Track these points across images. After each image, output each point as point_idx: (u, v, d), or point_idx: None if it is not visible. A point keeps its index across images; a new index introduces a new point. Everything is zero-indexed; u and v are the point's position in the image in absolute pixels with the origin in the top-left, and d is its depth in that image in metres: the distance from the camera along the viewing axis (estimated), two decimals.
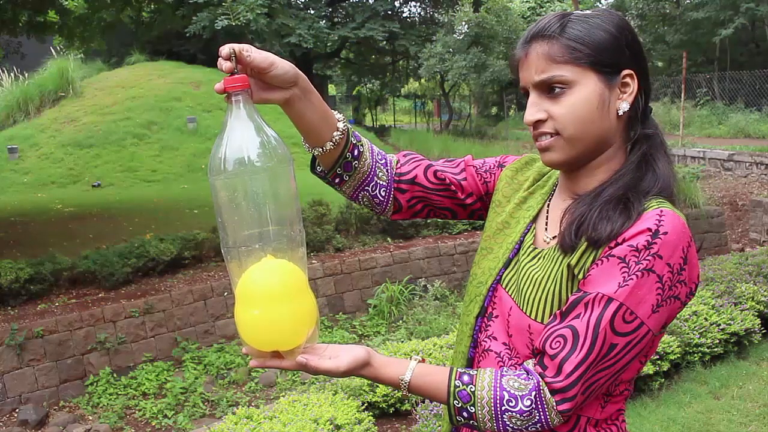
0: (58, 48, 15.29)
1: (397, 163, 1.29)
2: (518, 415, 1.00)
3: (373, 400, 3.82)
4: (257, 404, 4.41)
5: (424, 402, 3.69)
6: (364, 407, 3.68)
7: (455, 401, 1.04)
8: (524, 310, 1.07)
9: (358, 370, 1.06)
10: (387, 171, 1.26)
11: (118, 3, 11.76)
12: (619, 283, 0.96)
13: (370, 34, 21.16)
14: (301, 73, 1.10)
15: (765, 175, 10.73)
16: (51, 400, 5.38)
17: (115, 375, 5.61)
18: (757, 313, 4.77)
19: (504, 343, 1.12)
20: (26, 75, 14.27)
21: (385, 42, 22.30)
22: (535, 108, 1.05)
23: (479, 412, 1.02)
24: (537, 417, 1.00)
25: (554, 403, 0.99)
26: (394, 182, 1.26)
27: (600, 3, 22.31)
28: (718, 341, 4.41)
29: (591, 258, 1.02)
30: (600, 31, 1.03)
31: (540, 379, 1.00)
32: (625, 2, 19.14)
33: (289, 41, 19.71)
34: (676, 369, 4.27)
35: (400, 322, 6.49)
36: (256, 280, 0.99)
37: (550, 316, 1.04)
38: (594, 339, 0.96)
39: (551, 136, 1.05)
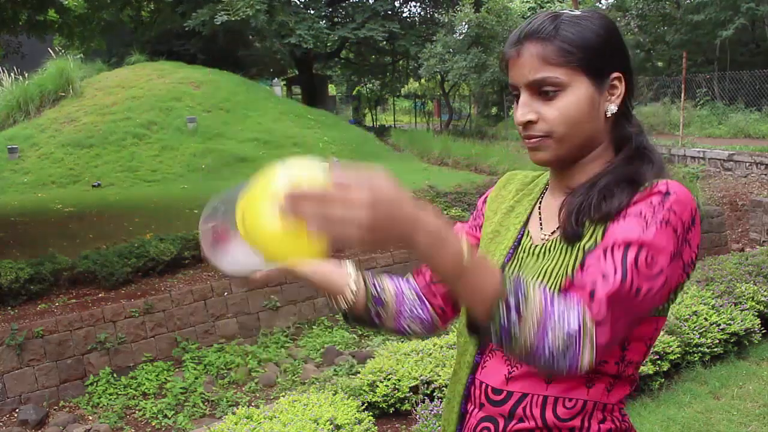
0: (58, 48, 15.31)
1: (416, 282, 1.30)
2: (563, 335, 0.88)
3: (373, 400, 3.83)
4: (257, 404, 4.41)
5: (424, 402, 3.69)
6: (364, 407, 3.68)
7: (509, 293, 0.87)
8: None
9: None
10: (412, 289, 1.28)
11: (118, 2, 11.77)
12: (640, 231, 0.96)
13: (370, 35, 21.17)
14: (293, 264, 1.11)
15: (765, 175, 10.73)
16: (51, 400, 5.38)
17: (115, 375, 5.61)
18: (757, 313, 4.77)
19: None
20: (26, 75, 14.26)
21: (385, 42, 22.31)
22: (527, 109, 1.06)
23: (529, 315, 0.87)
24: (574, 346, 0.89)
25: (594, 331, 0.90)
26: (423, 294, 1.28)
27: (600, 3, 22.29)
28: (718, 341, 4.41)
29: (602, 229, 1.03)
30: (591, 35, 1.04)
31: (582, 303, 0.91)
32: (625, 2, 19.13)
33: (289, 42, 19.71)
34: (676, 369, 4.27)
35: None
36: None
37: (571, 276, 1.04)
38: (623, 276, 0.93)
39: (541, 137, 1.06)
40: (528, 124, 1.07)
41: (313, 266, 1.13)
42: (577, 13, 1.07)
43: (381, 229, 0.77)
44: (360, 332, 6.53)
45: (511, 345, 0.88)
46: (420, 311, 1.26)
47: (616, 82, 1.07)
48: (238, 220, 0.95)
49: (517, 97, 1.09)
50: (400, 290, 1.25)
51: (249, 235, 0.94)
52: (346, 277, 1.17)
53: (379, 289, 1.21)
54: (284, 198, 0.79)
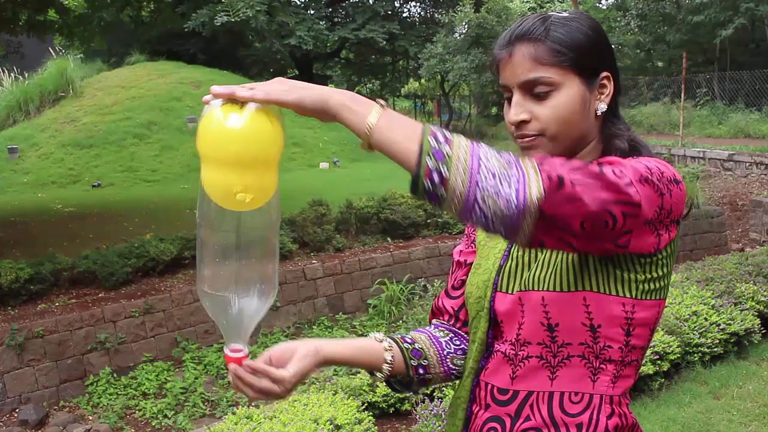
0: (58, 48, 15.31)
1: (440, 321, 1.33)
2: (496, 164, 0.85)
3: (373, 400, 3.83)
4: (257, 404, 4.41)
5: (423, 402, 3.70)
6: (364, 407, 3.69)
7: (428, 159, 0.85)
8: (534, 288, 1.08)
9: None
10: (438, 328, 1.30)
11: (118, 2, 11.78)
12: (610, 158, 1.00)
13: (371, 36, 21.16)
14: (316, 350, 1.13)
15: (765, 175, 10.73)
16: (51, 400, 5.38)
17: (115, 375, 5.62)
18: (757, 313, 4.77)
19: (510, 341, 1.12)
20: (26, 75, 14.27)
21: (385, 43, 22.30)
22: (520, 108, 1.08)
23: (453, 172, 0.84)
24: (515, 172, 0.85)
25: (535, 162, 0.87)
26: (454, 330, 1.30)
27: (600, 3, 22.29)
28: (718, 341, 4.41)
29: None
30: (581, 35, 1.07)
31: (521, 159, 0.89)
32: (625, 2, 19.14)
33: (289, 42, 19.71)
34: (676, 369, 4.27)
35: (400, 322, 6.49)
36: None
37: (561, 284, 1.05)
38: (586, 164, 0.91)
39: (535, 136, 1.08)
40: (521, 123, 1.08)
41: (334, 345, 1.16)
42: (565, 14, 1.10)
43: (298, 92, 0.94)
44: (359, 332, 6.53)
45: (447, 180, 0.84)
46: (458, 342, 1.28)
47: (605, 81, 1.10)
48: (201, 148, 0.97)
49: (509, 98, 1.10)
50: (431, 335, 1.28)
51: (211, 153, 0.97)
52: (377, 344, 1.20)
53: (411, 342, 1.24)
54: (212, 92, 0.95)
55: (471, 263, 1.28)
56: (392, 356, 1.19)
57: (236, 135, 0.94)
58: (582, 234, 0.90)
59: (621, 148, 1.09)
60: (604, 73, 1.09)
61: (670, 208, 0.98)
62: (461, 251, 1.32)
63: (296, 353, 1.11)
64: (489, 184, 0.84)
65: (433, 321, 1.34)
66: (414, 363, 1.22)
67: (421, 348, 1.24)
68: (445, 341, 1.27)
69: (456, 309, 1.30)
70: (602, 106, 1.10)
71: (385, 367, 1.19)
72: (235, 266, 1.03)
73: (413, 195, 0.89)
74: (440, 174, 0.85)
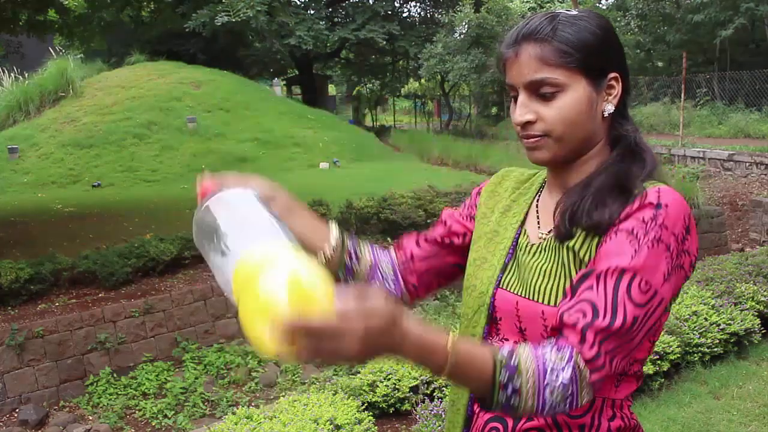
0: (58, 48, 15.30)
1: (395, 253, 1.33)
2: (560, 389, 0.93)
3: (373, 400, 3.83)
4: (257, 404, 4.41)
5: (424, 402, 3.70)
6: (364, 407, 3.68)
7: (501, 375, 0.92)
8: (534, 299, 1.08)
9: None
10: (390, 264, 1.30)
11: (118, 2, 11.78)
12: (632, 255, 0.97)
13: (371, 36, 21.16)
14: (280, 192, 1.13)
15: (765, 175, 10.74)
16: (51, 400, 5.38)
17: (115, 375, 5.61)
18: (757, 313, 4.77)
19: (515, 342, 1.11)
20: (26, 75, 14.27)
21: (385, 43, 22.31)
22: (525, 109, 1.07)
23: (524, 388, 0.92)
24: (570, 391, 0.94)
25: (587, 374, 0.94)
26: (400, 270, 1.30)
27: (600, 3, 22.28)
28: (718, 341, 4.41)
29: (596, 240, 1.04)
30: (589, 35, 1.05)
31: (572, 349, 0.95)
32: (625, 2, 19.13)
33: (289, 43, 19.71)
34: (676, 369, 4.27)
35: None
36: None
37: (560, 299, 1.05)
38: (614, 309, 0.95)
39: (540, 137, 1.07)
40: (527, 124, 1.07)
41: (297, 217, 1.16)
42: (574, 13, 1.08)
43: (368, 355, 0.83)
44: None
45: (516, 413, 0.95)
46: (391, 285, 1.28)
47: (613, 82, 1.08)
48: (235, 298, 0.86)
49: (515, 97, 1.09)
50: (376, 262, 1.28)
51: (243, 326, 0.85)
52: (326, 237, 1.20)
53: (354, 259, 1.24)
54: (282, 324, 0.76)
55: (453, 231, 1.29)
56: (328, 259, 1.19)
57: (279, 319, 0.78)
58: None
59: (641, 174, 1.07)
60: (612, 74, 1.08)
61: (690, 264, 1.03)
62: (452, 215, 1.32)
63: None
64: (549, 410, 0.95)
65: (392, 251, 1.33)
66: (341, 275, 1.22)
67: (357, 271, 1.24)
68: (380, 278, 1.27)
69: (413, 257, 1.30)
70: (609, 108, 1.09)
71: (319, 259, 1.19)
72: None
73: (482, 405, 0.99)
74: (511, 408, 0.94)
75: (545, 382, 0.92)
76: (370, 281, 1.26)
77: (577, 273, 1.04)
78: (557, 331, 0.99)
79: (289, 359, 0.82)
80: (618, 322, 0.95)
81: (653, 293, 0.97)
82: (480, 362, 0.92)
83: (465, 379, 0.93)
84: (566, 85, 1.04)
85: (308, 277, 0.81)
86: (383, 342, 0.83)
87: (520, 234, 1.19)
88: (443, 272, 1.32)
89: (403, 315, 0.85)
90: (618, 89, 1.09)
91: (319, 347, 0.78)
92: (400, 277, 1.30)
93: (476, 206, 1.30)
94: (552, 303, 1.05)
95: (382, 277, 1.28)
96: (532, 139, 1.08)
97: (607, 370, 0.95)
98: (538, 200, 1.21)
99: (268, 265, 0.82)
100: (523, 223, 1.20)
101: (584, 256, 1.04)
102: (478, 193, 1.32)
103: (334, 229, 1.22)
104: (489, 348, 0.95)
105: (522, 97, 1.07)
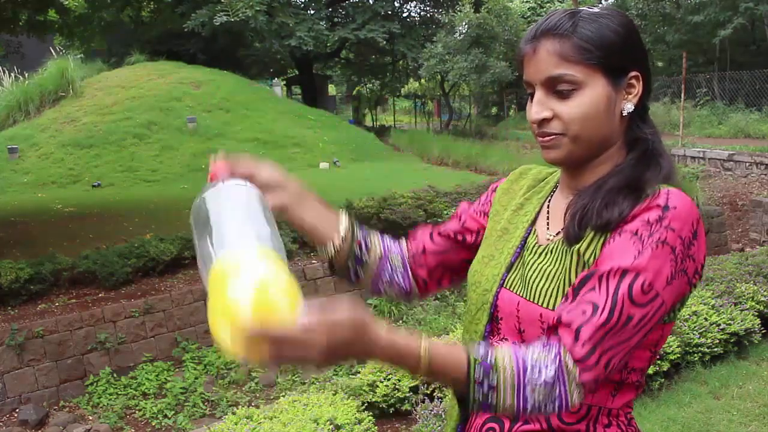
0: (58, 48, 15.30)
1: (406, 244, 1.32)
2: (542, 387, 0.91)
3: (373, 400, 3.83)
4: (257, 404, 4.41)
5: (424, 402, 3.69)
6: (364, 407, 3.69)
7: (476, 372, 0.92)
8: (534, 301, 1.07)
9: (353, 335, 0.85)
10: (400, 255, 1.29)
11: (118, 2, 11.78)
12: (635, 255, 0.95)
13: (371, 36, 21.16)
14: (291, 181, 1.14)
15: (765, 175, 10.74)
16: (51, 400, 5.38)
17: (115, 375, 5.61)
18: (757, 313, 4.77)
19: (515, 342, 1.11)
20: (26, 75, 14.27)
21: (385, 43, 22.32)
22: (542, 106, 1.04)
23: (501, 384, 0.91)
24: (558, 390, 0.92)
25: (576, 373, 0.92)
26: (410, 263, 1.29)
27: (601, 2, 22.29)
28: (718, 341, 4.41)
29: (601, 241, 1.02)
30: (610, 32, 1.02)
31: (561, 347, 0.93)
32: (625, 2, 19.13)
33: (290, 44, 19.70)
34: (676, 369, 4.27)
35: (400, 322, 6.49)
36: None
37: (562, 301, 1.03)
38: (612, 307, 0.93)
39: (555, 135, 1.05)
40: (542, 122, 1.05)
41: (307, 206, 1.16)
42: (596, 10, 1.06)
43: (335, 362, 0.86)
44: None
45: (496, 410, 0.94)
46: (400, 278, 1.27)
47: (633, 81, 1.05)
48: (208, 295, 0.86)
49: (532, 95, 1.07)
50: (386, 254, 1.26)
51: (210, 325, 0.85)
52: (336, 227, 1.20)
53: (363, 250, 1.23)
54: (244, 330, 0.78)
55: (467, 227, 1.28)
56: (337, 251, 1.19)
57: (241, 325, 0.79)
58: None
59: (657, 179, 1.04)
60: (633, 73, 1.05)
61: (696, 264, 1.00)
62: (467, 210, 1.31)
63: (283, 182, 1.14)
64: (534, 410, 0.93)
65: (403, 242, 1.32)
66: (351, 266, 1.22)
67: (367, 261, 1.23)
68: (390, 268, 1.26)
69: (425, 250, 1.29)
70: (629, 107, 1.05)
71: (329, 249, 1.19)
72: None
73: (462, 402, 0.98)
74: (488, 404, 0.94)
75: (525, 380, 0.91)
76: (380, 273, 1.25)
77: (576, 275, 1.02)
78: (553, 330, 0.98)
79: (252, 363, 0.84)
80: (614, 319, 0.93)
81: (654, 295, 0.95)
82: (455, 362, 0.92)
83: (442, 379, 0.95)
84: (584, 83, 1.01)
85: (276, 287, 0.82)
86: (350, 351, 0.85)
87: (529, 233, 1.17)
88: (455, 268, 1.30)
89: (372, 323, 0.87)
90: (638, 88, 1.06)
91: (281, 355, 0.80)
92: (409, 270, 1.28)
93: (491, 203, 1.28)
94: (551, 306, 1.04)
95: (392, 269, 1.26)
96: (548, 138, 1.05)
97: (599, 370, 0.93)
98: (550, 200, 1.18)
99: (241, 270, 0.83)
100: (533, 222, 1.18)
101: (589, 258, 1.02)
102: (494, 190, 1.30)
103: (344, 219, 1.21)
104: (465, 347, 0.95)
105: (539, 94, 1.05)
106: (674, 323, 1.09)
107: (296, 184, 1.15)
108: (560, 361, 0.92)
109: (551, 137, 1.05)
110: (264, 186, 1.07)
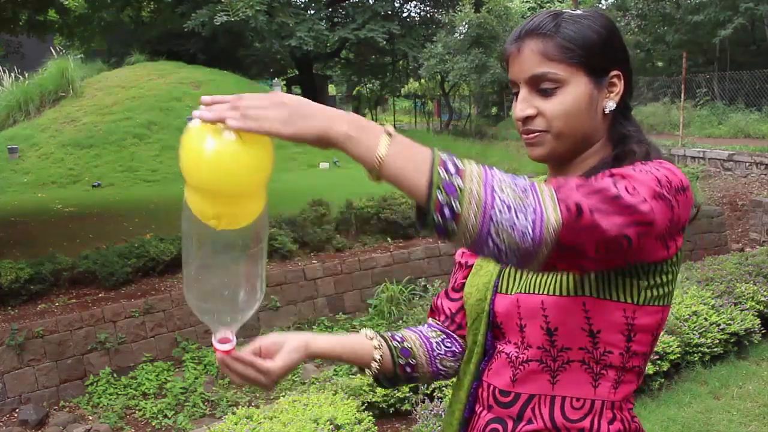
0: (58, 48, 15.29)
1: (436, 321, 1.33)
2: (513, 187, 0.83)
3: (373, 400, 3.83)
4: (257, 404, 4.41)
5: (423, 402, 3.70)
6: (364, 407, 3.69)
7: (439, 193, 0.82)
8: (534, 291, 1.07)
9: None
10: (437, 329, 1.30)
11: (118, 2, 11.78)
12: (622, 170, 0.96)
13: (371, 36, 21.16)
14: (306, 345, 1.15)
15: (765, 175, 10.74)
16: (51, 400, 5.38)
17: (115, 375, 5.61)
18: (757, 313, 4.77)
19: (515, 343, 1.11)
20: (26, 75, 14.27)
21: (385, 43, 22.32)
22: (526, 104, 1.07)
23: (465, 207, 0.82)
24: (531, 198, 0.83)
25: (553, 192, 0.85)
26: (447, 334, 1.30)
27: (601, 3, 22.28)
28: (718, 341, 4.41)
29: None
30: (592, 33, 1.06)
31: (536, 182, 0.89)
32: (625, 2, 19.13)
33: (290, 44, 19.70)
34: (676, 369, 4.27)
35: (400, 322, 6.49)
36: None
37: (560, 288, 1.04)
38: (598, 184, 0.89)
39: (539, 132, 1.07)
40: (527, 119, 1.08)
41: (333, 346, 1.18)
42: (579, 12, 1.09)
43: (296, 122, 0.86)
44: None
45: (459, 214, 0.82)
46: (449, 344, 1.28)
47: (615, 80, 1.09)
48: (182, 166, 0.88)
49: (517, 93, 1.10)
50: (422, 335, 1.28)
51: (190, 176, 0.87)
52: (367, 341, 1.21)
53: (400, 341, 1.24)
54: (202, 103, 0.85)
55: (472, 265, 1.27)
56: (381, 355, 1.20)
57: (210, 164, 0.84)
58: (596, 257, 0.89)
59: (638, 153, 1.06)
60: (615, 72, 1.08)
61: (678, 218, 0.97)
62: (463, 252, 1.31)
63: (285, 346, 1.13)
64: (504, 217, 0.81)
65: (429, 320, 1.34)
66: (401, 362, 1.22)
67: (410, 347, 1.24)
68: (436, 342, 1.27)
69: (453, 311, 1.29)
70: (610, 104, 1.08)
71: (374, 365, 1.19)
72: (218, 275, 1.02)
73: (421, 228, 0.87)
74: (451, 209, 0.82)
75: (494, 180, 0.84)
76: (428, 351, 1.26)
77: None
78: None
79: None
80: (606, 185, 0.88)
81: (641, 199, 0.89)
82: (420, 150, 0.86)
83: (402, 171, 0.84)
84: (567, 81, 1.04)
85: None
86: (305, 111, 0.86)
87: None
88: None
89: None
90: (620, 87, 1.09)
91: (243, 111, 0.84)
92: (453, 338, 1.29)
93: None
94: (552, 292, 1.05)
95: (436, 342, 1.27)
96: (532, 135, 1.08)
97: (577, 197, 0.85)
98: None
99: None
100: None
101: None
102: None
103: (367, 331, 1.23)
104: (430, 156, 0.86)
105: (523, 92, 1.08)
106: (670, 307, 1.09)
107: (311, 349, 1.16)
108: (534, 183, 0.87)
109: (535, 134, 1.08)
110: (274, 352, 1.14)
